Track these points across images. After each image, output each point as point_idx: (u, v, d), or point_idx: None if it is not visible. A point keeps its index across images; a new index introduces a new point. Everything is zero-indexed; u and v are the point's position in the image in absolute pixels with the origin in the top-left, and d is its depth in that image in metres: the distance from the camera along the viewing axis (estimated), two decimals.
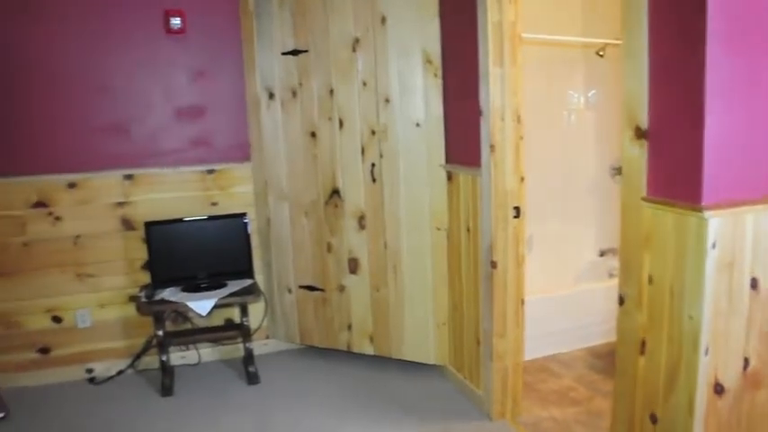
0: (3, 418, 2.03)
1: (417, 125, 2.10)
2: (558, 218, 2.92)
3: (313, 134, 2.31)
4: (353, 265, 2.32)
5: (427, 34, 2.04)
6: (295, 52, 2.28)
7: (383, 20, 2.09)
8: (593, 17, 2.85)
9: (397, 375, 2.28)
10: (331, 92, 2.24)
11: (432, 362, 2.27)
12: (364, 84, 2.17)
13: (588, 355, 2.43)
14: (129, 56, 2.25)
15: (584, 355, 2.42)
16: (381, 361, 2.37)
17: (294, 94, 2.31)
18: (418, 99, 2.09)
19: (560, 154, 2.89)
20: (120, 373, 2.34)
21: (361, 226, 2.27)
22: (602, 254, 2.98)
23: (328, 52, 2.22)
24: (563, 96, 2.88)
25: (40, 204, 2.23)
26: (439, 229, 2.12)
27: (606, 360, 2.34)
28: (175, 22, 2.33)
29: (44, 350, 2.31)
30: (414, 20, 2.07)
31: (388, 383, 2.23)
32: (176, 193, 2.31)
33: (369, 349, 2.36)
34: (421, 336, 2.25)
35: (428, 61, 2.07)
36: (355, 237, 2.29)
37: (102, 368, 2.34)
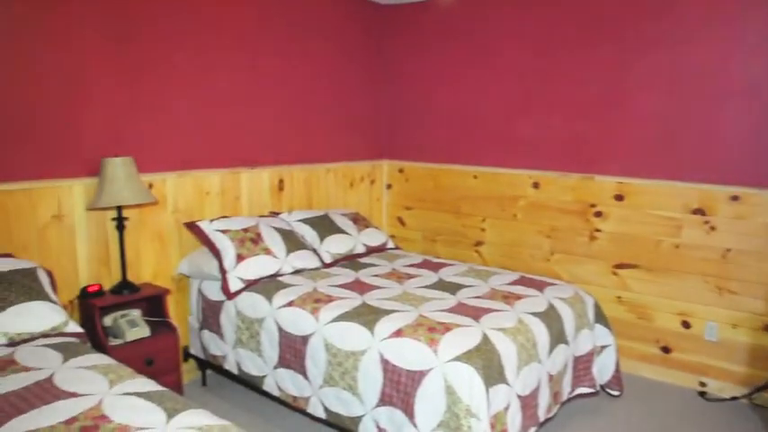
0: (618, 395, 4.21)
1: None
2: None
3: None
4: None
5: None
6: None
7: None
8: None
9: None
10: None
11: None
12: None
13: None
14: None
15: None
16: None
17: None
18: None
19: None
20: (733, 398, 3.80)
21: None
22: None
23: None
24: None
25: (698, 211, 3.91)
26: None
27: None
28: None
29: (666, 349, 4.04)
30: None
31: None
32: None
33: None
34: None
35: None
36: None
37: (715, 386, 3.85)
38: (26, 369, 2.28)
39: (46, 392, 2.09)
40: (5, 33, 3.03)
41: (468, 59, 4.80)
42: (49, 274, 2.96)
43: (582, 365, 3.49)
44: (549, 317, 3.19)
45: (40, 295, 2.70)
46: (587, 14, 4.19)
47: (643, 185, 4.06)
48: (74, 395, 2.07)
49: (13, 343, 2.53)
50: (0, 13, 2.99)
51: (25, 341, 2.56)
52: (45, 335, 2.63)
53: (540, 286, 3.62)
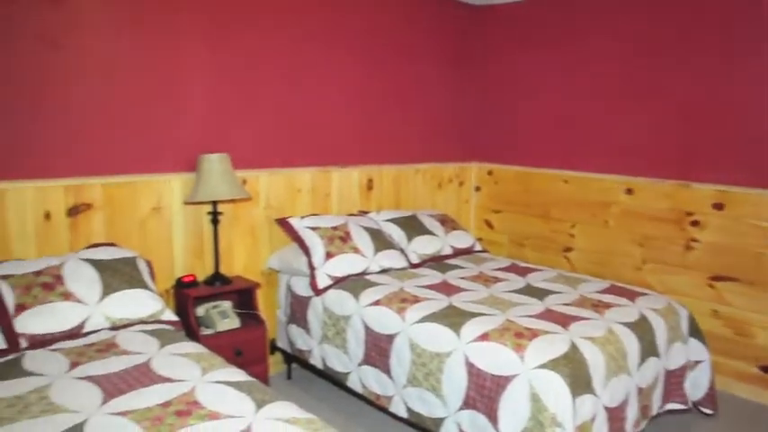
0: (711, 414, 4.01)
1: None
2: None
3: None
4: None
5: None
6: None
7: None
8: None
9: None
10: None
11: None
12: None
13: None
14: None
15: None
16: None
17: None
18: None
19: None
20: None
21: None
22: None
23: None
24: None
25: None
26: None
27: None
28: None
29: (766, 369, 3.82)
30: None
31: None
32: None
33: None
34: None
35: None
36: None
37: None
38: (126, 353, 2.40)
39: (143, 376, 2.19)
40: (110, 36, 3.19)
41: (560, 61, 4.71)
42: (148, 264, 3.11)
43: (674, 380, 3.34)
44: (641, 328, 3.06)
45: (139, 283, 2.84)
46: (690, 13, 4.03)
47: (745, 194, 3.87)
48: (169, 380, 2.16)
49: (114, 327, 2.66)
50: (104, 17, 3.13)
51: (125, 326, 2.69)
52: (143, 321, 2.75)
53: (631, 296, 3.48)
